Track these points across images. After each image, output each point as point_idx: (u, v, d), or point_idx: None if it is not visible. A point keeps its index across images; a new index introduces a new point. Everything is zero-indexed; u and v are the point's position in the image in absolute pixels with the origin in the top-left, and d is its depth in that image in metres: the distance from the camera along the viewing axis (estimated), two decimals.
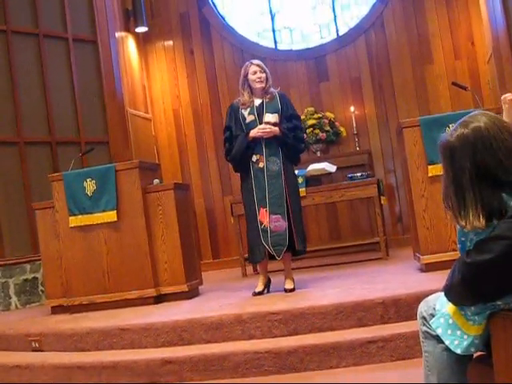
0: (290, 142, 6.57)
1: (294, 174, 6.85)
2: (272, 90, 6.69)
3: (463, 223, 2.80)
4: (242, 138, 6.57)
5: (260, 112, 6.58)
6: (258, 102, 6.63)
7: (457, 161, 2.81)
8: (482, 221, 2.74)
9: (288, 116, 6.64)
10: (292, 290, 6.48)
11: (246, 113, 6.62)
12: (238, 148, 6.61)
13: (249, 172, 6.61)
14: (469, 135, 2.80)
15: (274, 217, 6.45)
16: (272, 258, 6.58)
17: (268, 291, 6.67)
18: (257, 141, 6.53)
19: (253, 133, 6.51)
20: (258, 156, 6.56)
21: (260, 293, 6.58)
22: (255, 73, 6.59)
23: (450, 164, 2.85)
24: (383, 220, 8.99)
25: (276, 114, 6.57)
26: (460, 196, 2.81)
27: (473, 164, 2.76)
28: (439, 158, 2.95)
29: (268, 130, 6.47)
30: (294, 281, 6.62)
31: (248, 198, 6.64)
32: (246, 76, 6.66)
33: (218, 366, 5.13)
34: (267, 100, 6.62)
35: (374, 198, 8.85)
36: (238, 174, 6.91)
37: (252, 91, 6.66)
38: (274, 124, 6.53)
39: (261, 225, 6.51)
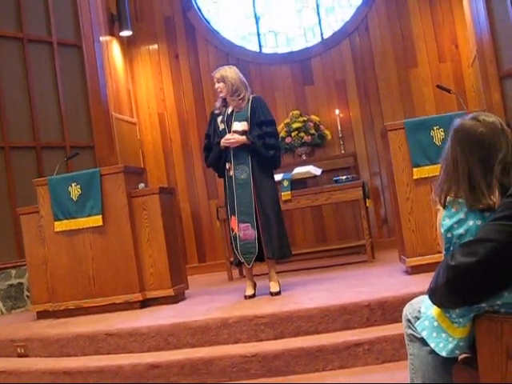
0: (259, 150, 6.56)
1: (269, 181, 6.73)
2: (243, 96, 6.63)
3: (485, 201, 2.84)
4: (215, 146, 6.66)
5: (229, 120, 6.62)
6: (229, 109, 6.67)
7: (486, 145, 2.88)
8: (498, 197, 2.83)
9: (259, 122, 6.61)
10: (278, 294, 6.49)
11: (219, 120, 6.70)
12: (212, 156, 6.73)
13: (224, 180, 6.71)
14: (495, 122, 2.91)
15: (242, 225, 6.51)
16: (257, 260, 6.62)
17: (254, 295, 6.66)
18: (227, 149, 6.58)
19: (222, 142, 6.57)
20: (229, 164, 6.61)
21: (252, 296, 6.58)
22: (215, 83, 6.69)
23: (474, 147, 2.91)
24: (369, 223, 9.01)
25: (245, 122, 6.57)
26: (481, 176, 2.86)
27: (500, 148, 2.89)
28: (448, 142, 3.03)
29: (233, 140, 6.50)
30: (279, 283, 6.63)
31: (226, 205, 6.75)
32: None
33: (205, 370, 5.13)
34: (236, 109, 6.63)
35: (359, 201, 8.87)
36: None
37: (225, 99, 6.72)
38: (243, 132, 6.54)
39: (232, 232, 6.61)
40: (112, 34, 11.51)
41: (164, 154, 11.73)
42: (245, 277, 6.97)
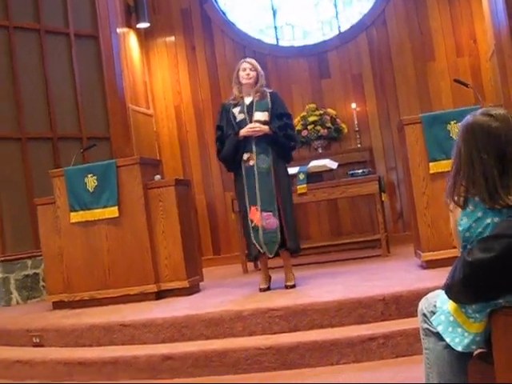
0: (281, 141, 6.59)
1: (286, 172, 6.81)
2: (264, 89, 6.71)
3: (502, 201, 2.83)
4: (232, 136, 6.60)
5: (250, 110, 6.59)
6: (248, 100, 6.65)
7: (503, 139, 2.89)
8: None
9: (278, 114, 6.64)
10: (293, 287, 6.49)
11: (236, 111, 6.65)
12: (228, 147, 6.64)
13: (240, 171, 6.64)
14: (506, 114, 2.93)
15: (265, 214, 6.48)
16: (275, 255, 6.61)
17: (269, 288, 6.65)
18: (247, 139, 6.55)
19: (243, 132, 6.53)
20: (249, 154, 6.57)
21: (266, 289, 6.58)
22: (245, 70, 6.62)
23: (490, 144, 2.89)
24: (384, 217, 8.98)
25: (266, 113, 6.58)
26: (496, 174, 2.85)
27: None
28: (458, 140, 3.02)
29: (257, 128, 6.49)
30: (294, 277, 6.62)
31: (241, 197, 6.69)
32: (237, 72, 6.70)
33: (219, 362, 5.14)
34: (257, 98, 6.63)
35: (375, 195, 8.85)
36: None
37: (242, 88, 6.68)
38: (264, 122, 6.54)
39: (251, 223, 6.55)
40: (129, 25, 11.51)
41: (180, 145, 11.73)
42: (260, 270, 6.96)
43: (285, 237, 6.50)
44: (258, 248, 6.53)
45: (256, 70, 6.64)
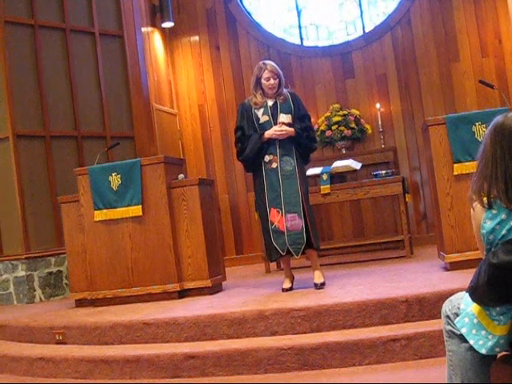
0: (304, 142, 6.60)
1: (305, 174, 6.84)
2: (284, 90, 6.67)
3: None
4: (257, 138, 6.55)
5: (274, 112, 6.56)
6: (270, 102, 6.61)
7: None
8: None
9: (300, 116, 6.65)
10: (323, 285, 6.44)
11: (259, 113, 6.60)
12: (251, 148, 6.59)
13: (260, 172, 6.61)
14: None
15: (289, 216, 6.44)
16: (290, 253, 6.57)
17: (291, 288, 6.62)
18: (271, 142, 6.52)
19: (268, 134, 6.49)
20: (272, 156, 6.54)
21: (289, 289, 6.55)
22: (268, 79, 6.55)
23: None
24: (407, 218, 8.96)
25: (289, 115, 6.56)
26: None
27: None
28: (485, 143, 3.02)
29: (284, 132, 6.46)
30: (323, 275, 6.58)
31: (260, 199, 6.66)
32: (259, 78, 6.62)
33: (241, 361, 5.14)
34: (280, 101, 6.60)
35: (398, 196, 8.83)
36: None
37: (264, 92, 6.63)
38: (288, 124, 6.52)
39: (271, 225, 6.52)
40: (154, 25, 11.56)
41: (203, 145, 11.76)
42: (282, 270, 6.96)
43: (310, 236, 6.45)
44: (279, 250, 6.49)
45: (278, 76, 6.59)
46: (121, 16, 10.40)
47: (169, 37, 11.96)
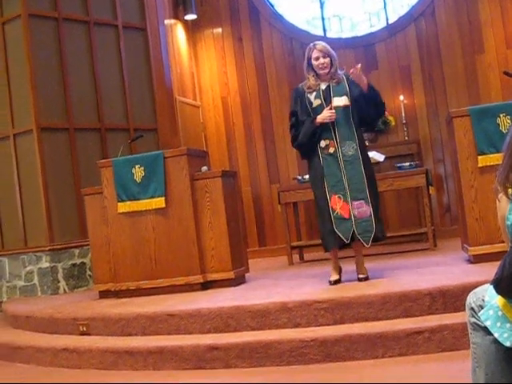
0: (378, 99, 6.36)
1: (368, 156, 6.52)
2: (339, 72, 6.38)
3: None
4: (309, 123, 6.28)
5: (327, 96, 6.28)
6: (324, 85, 6.34)
7: None
8: None
9: (358, 95, 6.29)
10: (366, 279, 6.29)
11: (312, 97, 6.34)
12: (304, 134, 6.32)
13: (317, 158, 6.34)
14: None
15: (356, 203, 6.18)
16: (342, 246, 6.37)
17: (339, 280, 6.41)
18: (325, 126, 6.24)
19: (320, 118, 6.20)
20: (328, 141, 6.25)
21: (337, 281, 6.33)
22: (318, 58, 6.28)
23: None
24: (431, 210, 8.92)
25: (345, 97, 6.26)
26: None
27: None
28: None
29: (333, 116, 6.17)
30: (366, 269, 6.40)
31: (318, 186, 6.37)
32: (309, 60, 6.36)
33: (264, 353, 5.15)
34: (334, 83, 6.32)
35: (422, 188, 8.79)
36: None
37: (317, 75, 6.35)
38: (344, 107, 6.22)
39: (333, 212, 6.23)
40: (176, 17, 11.57)
41: (226, 137, 11.77)
42: (305, 262, 6.93)
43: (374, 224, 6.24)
44: (342, 238, 6.21)
45: (329, 55, 6.29)
46: (144, 9, 10.41)
47: (191, 29, 11.97)
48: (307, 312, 5.45)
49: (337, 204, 6.22)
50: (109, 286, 7.49)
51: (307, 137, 6.31)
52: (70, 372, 5.80)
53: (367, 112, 6.32)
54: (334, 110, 6.21)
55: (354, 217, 6.18)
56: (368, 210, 6.18)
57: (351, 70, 6.16)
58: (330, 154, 6.26)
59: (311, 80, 6.36)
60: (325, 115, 6.21)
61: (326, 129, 6.25)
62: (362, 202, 6.19)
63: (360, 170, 6.23)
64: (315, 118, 6.25)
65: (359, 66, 6.16)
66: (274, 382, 4.83)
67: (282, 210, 9.27)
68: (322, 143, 6.28)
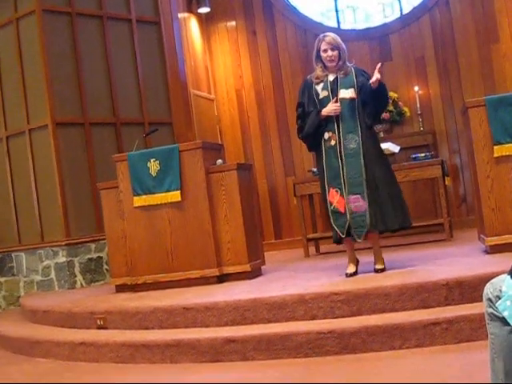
0: (385, 93, 6.33)
1: (377, 147, 6.43)
2: (347, 64, 6.37)
3: None
4: (314, 115, 6.28)
5: (334, 88, 6.26)
6: (331, 77, 6.31)
7: None
8: None
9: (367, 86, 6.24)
10: (383, 270, 6.27)
11: (319, 88, 6.32)
12: (309, 126, 6.32)
13: (321, 151, 6.34)
14: None
15: (353, 197, 6.16)
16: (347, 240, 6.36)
17: (356, 273, 6.38)
18: (329, 118, 6.22)
19: (325, 111, 6.18)
20: (331, 134, 6.23)
21: (353, 274, 6.30)
22: (326, 51, 6.26)
23: None
24: (447, 201, 8.89)
25: (352, 89, 6.23)
26: None
27: None
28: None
29: (339, 110, 6.15)
30: (383, 261, 6.39)
31: (321, 179, 6.38)
32: (318, 51, 6.34)
33: (281, 345, 5.15)
34: (341, 75, 6.30)
35: (437, 179, 8.76)
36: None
37: (325, 66, 6.34)
38: (350, 99, 6.20)
39: (330, 206, 6.26)
40: (190, 10, 11.57)
41: (241, 130, 11.77)
42: (321, 254, 6.92)
43: (374, 218, 6.18)
44: (338, 232, 6.25)
45: (338, 47, 6.28)
46: (157, 2, 10.40)
47: (205, 22, 11.97)
48: (324, 304, 5.45)
49: (334, 198, 6.24)
50: (125, 280, 7.51)
51: (312, 129, 6.31)
52: (87, 366, 5.83)
53: (370, 104, 6.26)
54: (339, 104, 6.19)
55: (351, 211, 6.19)
56: (364, 205, 6.16)
57: (373, 79, 6.10)
58: (331, 147, 6.26)
59: (319, 71, 6.35)
60: (330, 108, 6.19)
61: (329, 121, 6.25)
62: (358, 196, 6.17)
63: (359, 164, 6.19)
64: (320, 111, 6.25)
65: (379, 65, 6.12)
66: (292, 373, 4.84)
67: (298, 202, 9.27)
68: (326, 135, 6.28)
